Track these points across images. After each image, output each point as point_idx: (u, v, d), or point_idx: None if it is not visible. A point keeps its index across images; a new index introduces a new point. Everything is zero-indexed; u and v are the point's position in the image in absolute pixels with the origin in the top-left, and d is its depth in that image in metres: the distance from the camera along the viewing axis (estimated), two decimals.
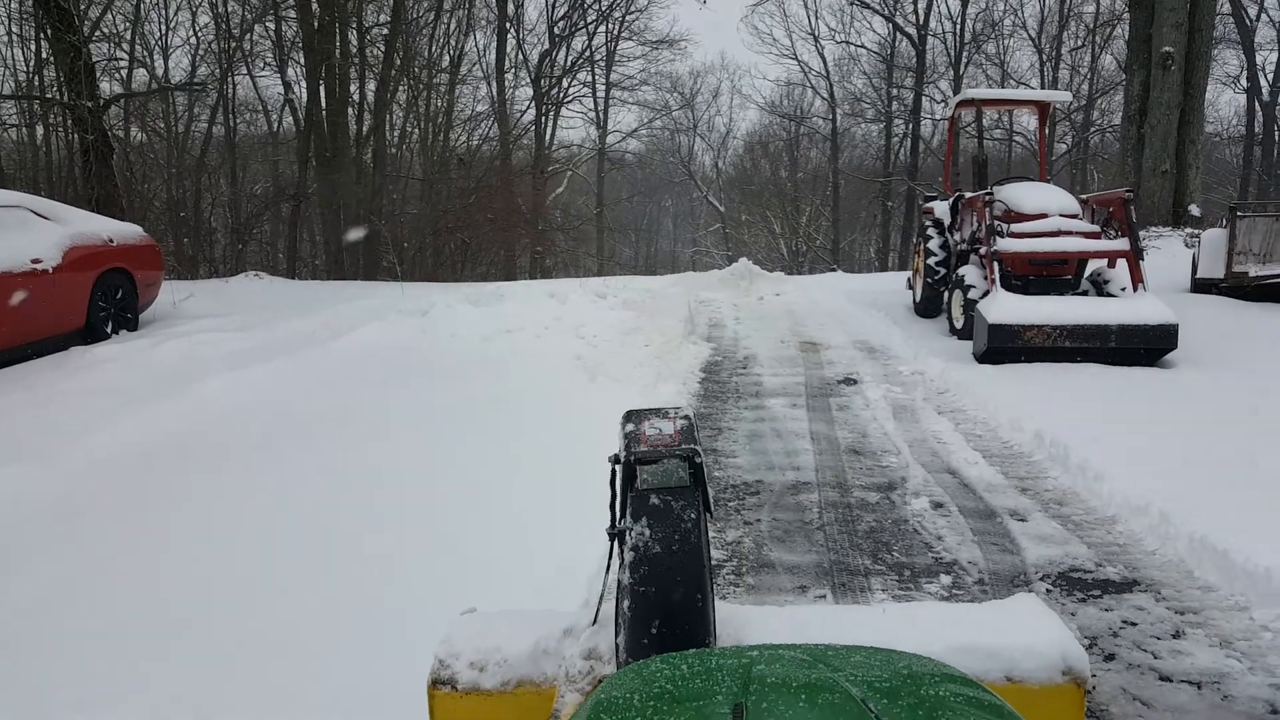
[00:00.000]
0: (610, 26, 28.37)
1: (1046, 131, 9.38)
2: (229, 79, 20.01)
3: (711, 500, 1.48)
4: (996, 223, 7.01)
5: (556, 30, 27.15)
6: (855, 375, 6.34)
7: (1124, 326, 6.10)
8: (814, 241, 36.30)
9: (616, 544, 1.30)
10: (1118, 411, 4.92)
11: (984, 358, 6.40)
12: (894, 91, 30.67)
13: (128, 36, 19.15)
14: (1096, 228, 7.07)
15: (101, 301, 7.21)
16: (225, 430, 4.74)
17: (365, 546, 3.31)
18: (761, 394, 5.86)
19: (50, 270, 6.59)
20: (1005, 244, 6.90)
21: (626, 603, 1.21)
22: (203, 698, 2.37)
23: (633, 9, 28.02)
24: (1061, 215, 7.06)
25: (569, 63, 27.92)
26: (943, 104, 29.55)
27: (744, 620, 1.38)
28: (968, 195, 8.02)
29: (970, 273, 7.39)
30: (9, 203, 6.70)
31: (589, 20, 27.51)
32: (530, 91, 26.65)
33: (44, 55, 16.41)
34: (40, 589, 3.01)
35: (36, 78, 17.91)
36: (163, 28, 21.62)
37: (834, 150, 32.89)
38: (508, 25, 25.31)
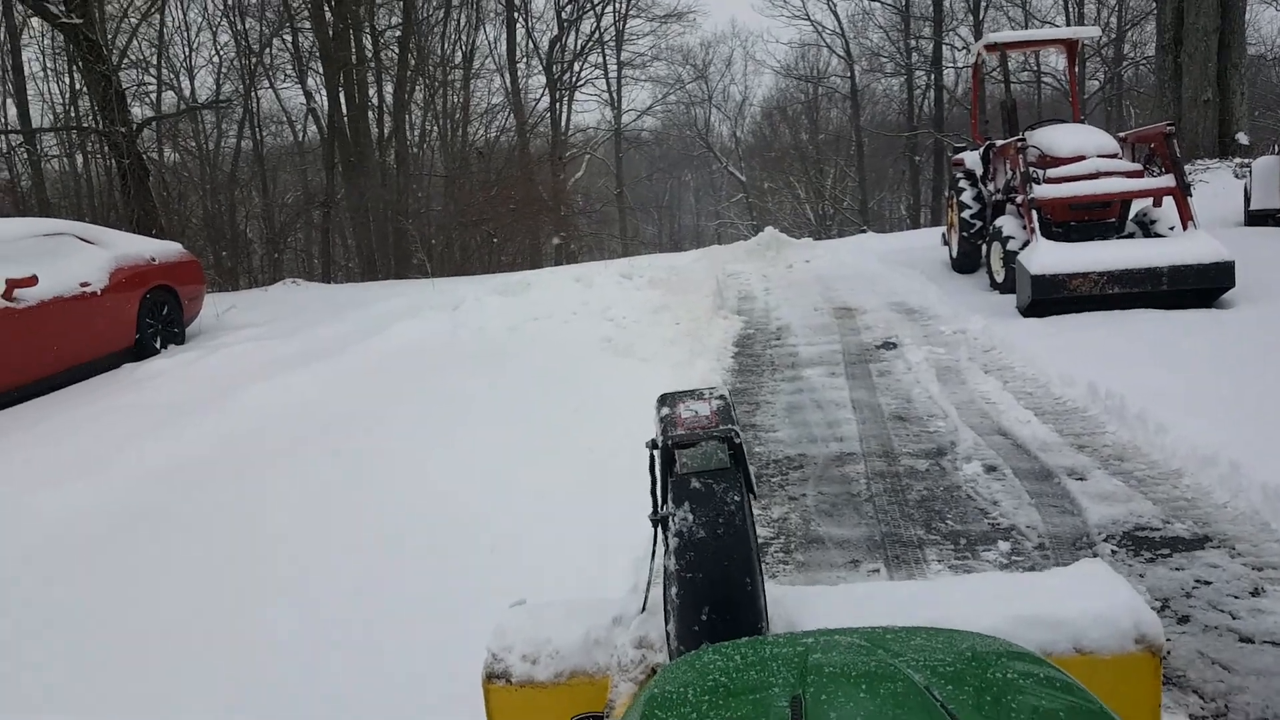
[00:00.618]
0: (617, 6, 28.06)
1: (1077, 70, 9.00)
2: (253, 93, 20.21)
3: (754, 479, 1.41)
4: (1031, 169, 6.74)
5: (564, 15, 26.92)
6: (894, 339, 6.16)
7: (1175, 267, 5.83)
8: (841, 204, 35.67)
9: (660, 530, 1.27)
10: (1176, 358, 4.70)
11: (1029, 311, 6.18)
12: (913, 43, 29.87)
13: (154, 61, 19.44)
14: (1138, 166, 6.76)
15: (149, 319, 7.33)
16: (270, 434, 4.75)
17: (408, 542, 3.28)
18: (798, 364, 5.72)
19: (99, 292, 6.71)
20: (1042, 190, 6.64)
21: (674, 589, 1.19)
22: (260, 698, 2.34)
23: None
24: (1099, 156, 6.76)
25: (579, 46, 27.70)
26: (965, 51, 28.76)
27: (796, 601, 1.34)
28: (999, 143, 7.73)
29: (1008, 223, 7.14)
30: (55, 230, 6.85)
31: (595, 2, 27.23)
32: (543, 79, 26.51)
33: (77, 86, 16.70)
34: (92, 596, 3.02)
35: (72, 108, 18.27)
36: (186, 49, 21.90)
37: (855, 108, 32.18)
38: (516, 15, 25.14)
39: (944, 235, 9.68)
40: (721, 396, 1.39)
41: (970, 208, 8.18)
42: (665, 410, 1.37)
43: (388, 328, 7.05)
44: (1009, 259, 6.95)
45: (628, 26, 28.79)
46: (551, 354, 6.16)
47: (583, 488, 3.61)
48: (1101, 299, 5.94)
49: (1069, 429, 4.11)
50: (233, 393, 5.39)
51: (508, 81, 24.85)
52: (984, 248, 7.53)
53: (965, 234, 8.24)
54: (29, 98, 17.11)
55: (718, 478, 1.24)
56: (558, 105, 26.83)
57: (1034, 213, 6.56)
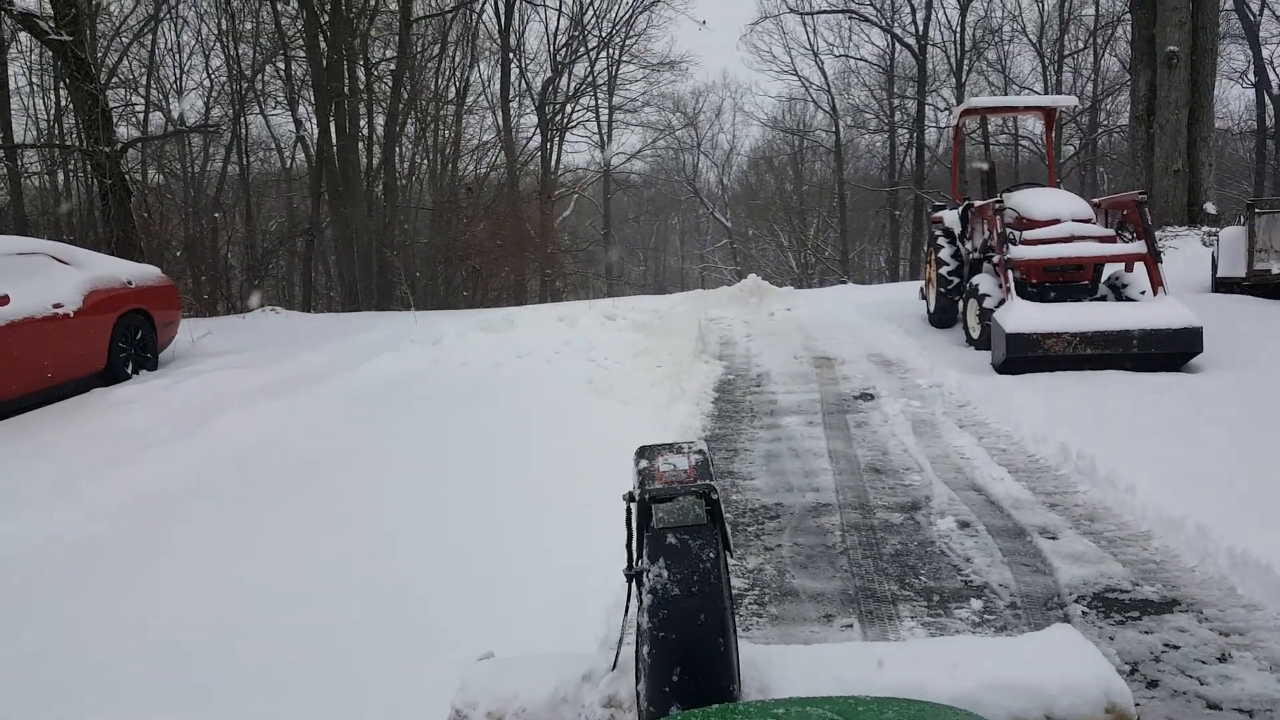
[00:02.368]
0: (611, 51, 28.59)
1: (1054, 136, 9.28)
2: (241, 119, 20.28)
3: (730, 537, 1.39)
4: (1008, 230, 6.91)
5: (558, 58, 27.39)
6: (872, 390, 6.23)
7: (1146, 331, 5.97)
8: (823, 253, 36.24)
9: (634, 585, 1.26)
10: (1145, 420, 4.79)
11: (1003, 368, 6.28)
12: (896, 101, 30.64)
13: (143, 81, 19.50)
14: (1111, 231, 6.95)
15: (122, 343, 7.25)
16: (240, 469, 4.69)
17: (379, 578, 3.24)
18: (777, 412, 5.77)
19: (71, 314, 6.63)
20: (1019, 251, 6.79)
21: (646, 648, 1.17)
22: None
23: (632, 34, 28.27)
24: (1074, 220, 6.95)
25: (572, 89, 28.14)
26: (947, 112, 29.49)
27: (768, 663, 1.33)
28: (977, 203, 7.92)
29: (984, 282, 7.28)
30: (30, 249, 6.78)
31: (590, 46, 27.76)
32: (535, 119, 26.85)
33: (63, 103, 16.68)
34: (42, 635, 2.95)
35: (56, 125, 18.20)
36: (177, 71, 22.00)
37: (839, 162, 32.84)
38: (510, 55, 25.54)
39: (922, 290, 9.85)
40: (700, 451, 1.40)
41: (948, 265, 8.34)
42: (643, 463, 1.36)
43: (367, 360, 7.03)
44: (985, 316, 7.08)
45: (620, 72, 29.33)
46: (533, 394, 6.16)
47: (562, 532, 3.60)
48: (1074, 359, 6.06)
49: (1041, 487, 4.16)
50: (203, 423, 5.33)
51: (499, 119, 25.17)
52: (961, 304, 7.66)
53: (943, 290, 8.38)
54: (12, 112, 17.06)
55: (694, 534, 1.22)
56: (548, 145, 27.16)
57: (1010, 272, 6.71)
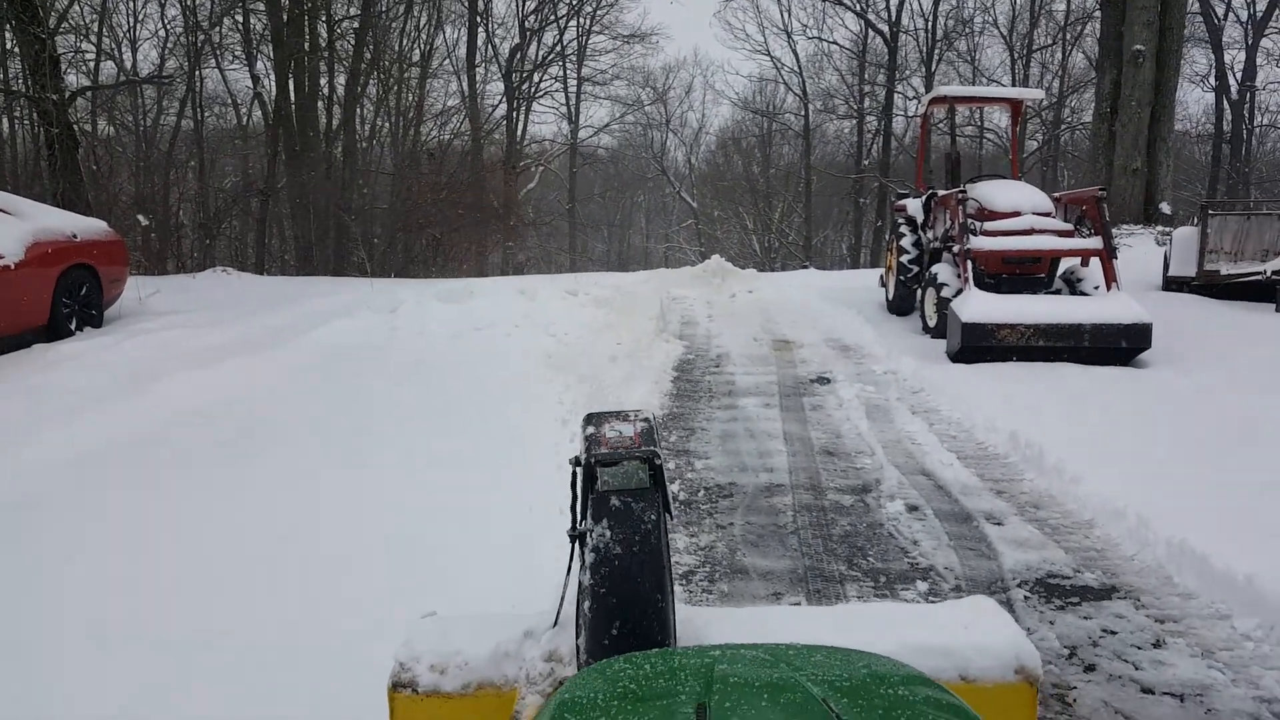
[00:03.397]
0: (581, 20, 28.20)
1: (1019, 129, 9.38)
2: (197, 72, 19.58)
3: (673, 501, 1.54)
4: (970, 220, 6.97)
5: (527, 24, 26.92)
6: (828, 374, 6.26)
7: (1097, 325, 6.09)
8: (786, 238, 36.41)
9: (577, 546, 1.30)
10: (1092, 412, 4.89)
11: (957, 357, 6.36)
12: (866, 88, 30.79)
13: (95, 29, 18.69)
14: (1069, 226, 7.06)
15: (65, 298, 6.98)
16: (186, 431, 4.55)
17: (323, 548, 3.18)
18: (734, 393, 5.77)
19: (12, 266, 6.35)
20: (978, 242, 6.86)
21: (587, 604, 1.22)
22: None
23: (603, 3, 27.88)
24: (1034, 214, 7.04)
25: (540, 57, 27.70)
26: (915, 100, 29.71)
27: (704, 621, 1.39)
28: (940, 193, 7.98)
29: (943, 271, 7.36)
30: None
31: (560, 14, 27.33)
32: (502, 86, 26.42)
33: (8, 47, 15.93)
34: None
35: (1, 70, 17.38)
36: (131, 20, 21.17)
37: (807, 146, 32.91)
38: (478, 19, 25.05)
39: (881, 277, 9.93)
40: (646, 419, 1.44)
41: (909, 253, 8.41)
42: (590, 429, 1.40)
43: (321, 325, 6.88)
44: (942, 305, 7.15)
45: (590, 42, 28.94)
46: (491, 366, 6.09)
47: (515, 506, 3.56)
48: (1027, 350, 6.15)
49: (989, 474, 4.22)
50: (147, 384, 5.17)
51: (464, 85, 24.70)
52: (919, 293, 7.74)
53: (902, 278, 8.46)
54: None
55: (637, 497, 1.26)
56: (515, 114, 26.76)
57: (969, 263, 6.78)
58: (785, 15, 32.11)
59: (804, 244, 34.72)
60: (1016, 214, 7.10)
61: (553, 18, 27.25)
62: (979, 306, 6.28)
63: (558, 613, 1.38)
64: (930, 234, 8.21)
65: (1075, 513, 3.73)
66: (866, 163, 31.28)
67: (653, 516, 1.25)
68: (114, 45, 20.43)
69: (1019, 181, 7.90)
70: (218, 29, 19.94)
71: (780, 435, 4.81)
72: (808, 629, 1.28)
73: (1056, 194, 7.56)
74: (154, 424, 4.62)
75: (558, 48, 28.00)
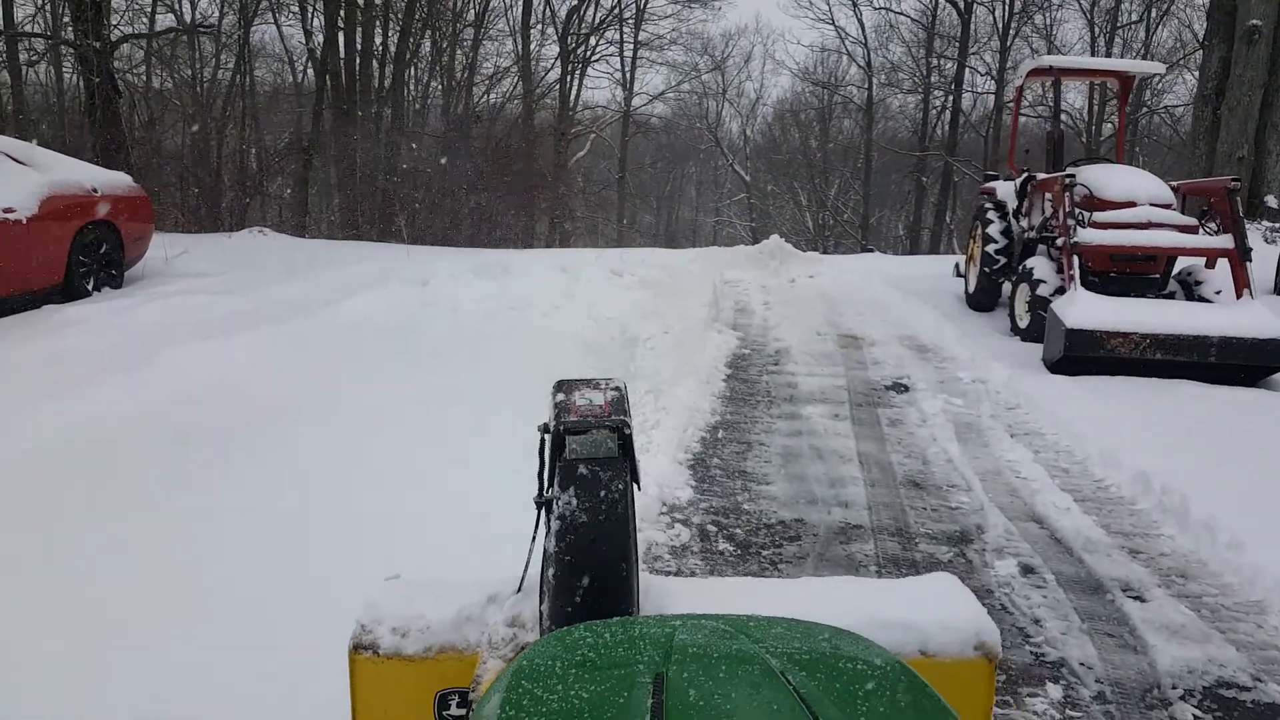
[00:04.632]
0: None
1: (1126, 108, 8.36)
2: (245, 24, 19.09)
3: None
4: (1077, 210, 6.10)
5: None
6: (906, 380, 5.50)
7: (1227, 339, 5.22)
8: (841, 215, 35.27)
9: (543, 513, 1.30)
10: (1235, 447, 4.08)
11: (1057, 366, 5.55)
12: (934, 62, 29.38)
13: None
14: (1193, 220, 6.14)
15: (83, 256, 6.52)
16: (187, 411, 4.02)
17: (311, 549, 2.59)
18: (797, 399, 5.04)
19: (24, 220, 5.90)
20: (1087, 235, 6.00)
21: (551, 570, 1.22)
22: None
23: None
24: (1152, 204, 6.14)
25: (597, 20, 26.77)
26: (987, 76, 28.16)
27: (666, 592, 1.39)
28: (1040, 177, 7.08)
29: (1040, 266, 6.50)
30: None
31: None
32: (556, 49, 25.60)
33: None
34: None
35: (49, 17, 17.07)
36: None
37: (869, 121, 31.61)
38: None
39: (958, 266, 9.07)
40: (617, 388, 1.43)
41: (996, 242, 7.53)
42: (560, 396, 1.39)
43: (346, 298, 6.30)
44: (1037, 305, 6.33)
45: (649, 5, 27.89)
46: (524, 351, 5.44)
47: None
48: (1139, 363, 5.32)
49: (1117, 525, 3.46)
50: (154, 354, 4.65)
51: (518, 46, 23.94)
52: (1011, 288, 6.88)
53: (987, 269, 7.59)
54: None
55: (605, 466, 1.26)
56: (569, 78, 25.96)
57: (1075, 258, 5.93)
58: None
59: (860, 223, 33.58)
60: (1131, 204, 6.21)
61: None
62: (1087, 310, 5.45)
63: (522, 579, 1.37)
64: (1024, 223, 7.32)
65: (1238, 590, 2.96)
66: (931, 141, 29.93)
67: (620, 486, 1.26)
68: None
69: (1133, 168, 6.96)
70: None
71: (854, 457, 4.08)
72: (770, 602, 1.25)
73: (1175, 183, 6.61)
74: (143, 406, 4.07)
75: (615, 10, 27.01)
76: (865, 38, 30.81)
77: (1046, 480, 3.86)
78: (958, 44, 28.12)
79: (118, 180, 7.24)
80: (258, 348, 5.12)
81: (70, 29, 12.46)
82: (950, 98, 29.01)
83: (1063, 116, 24.50)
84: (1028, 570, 3.05)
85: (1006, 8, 27.37)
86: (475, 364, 5.21)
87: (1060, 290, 6.20)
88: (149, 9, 18.62)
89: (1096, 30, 27.27)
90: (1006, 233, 7.57)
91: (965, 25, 27.63)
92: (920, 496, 3.67)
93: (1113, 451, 4.03)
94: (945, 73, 29.38)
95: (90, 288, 6.63)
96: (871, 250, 19.97)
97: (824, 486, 3.71)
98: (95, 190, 6.71)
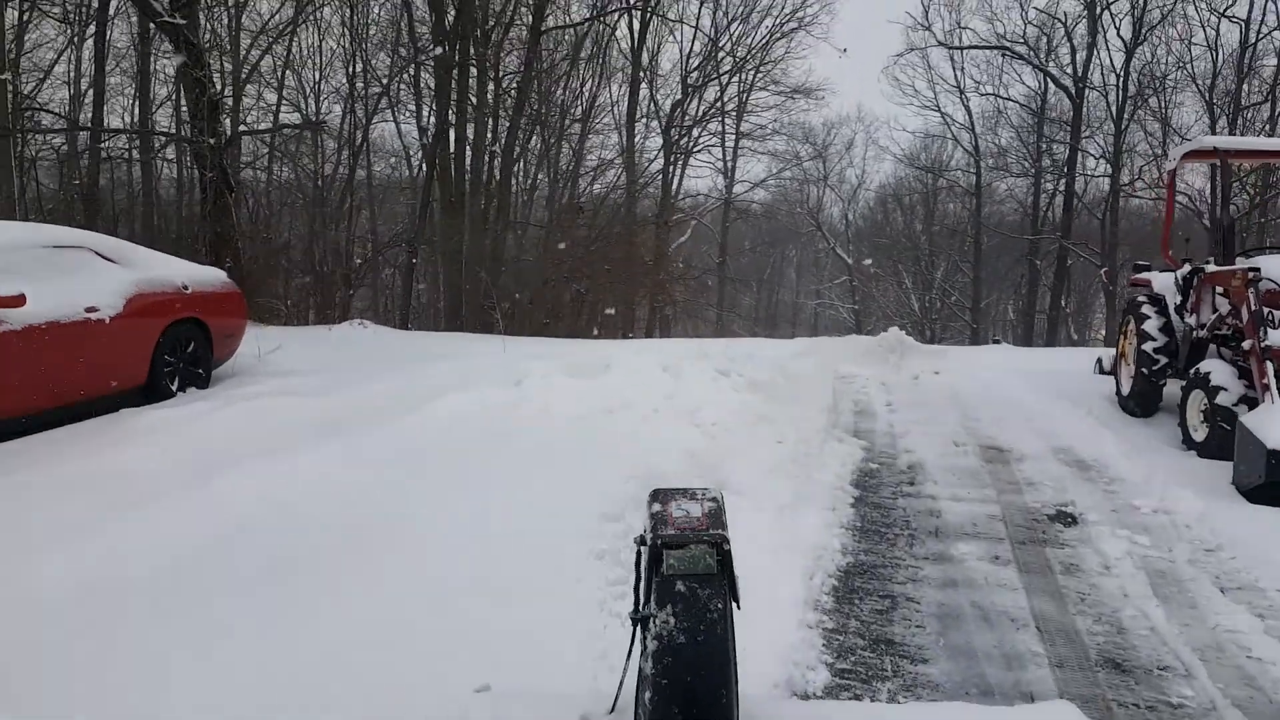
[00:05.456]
0: (744, 77, 27.40)
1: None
2: (350, 120, 19.94)
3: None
4: (1267, 310, 5.21)
5: (689, 80, 26.40)
6: (1071, 507, 4.65)
7: None
8: (949, 298, 34.03)
9: (639, 629, 1.29)
10: None
11: (1256, 495, 4.62)
12: (1044, 146, 28.41)
13: (277, 78, 19.45)
14: None
15: (168, 355, 6.41)
16: (226, 552, 3.52)
17: None
18: (944, 533, 4.28)
19: (108, 320, 5.80)
20: (1279, 337, 5.09)
21: (648, 693, 1.20)
22: None
23: (768, 60, 27.01)
24: None
25: (700, 113, 27.06)
26: (1102, 159, 26.84)
27: (771, 716, 1.39)
28: (1210, 269, 6.19)
29: (1218, 370, 5.58)
30: (70, 242, 5.98)
31: (722, 70, 26.63)
32: (659, 141, 25.92)
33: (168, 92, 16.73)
34: None
35: (164, 113, 18.15)
36: (315, 74, 22.02)
37: (978, 204, 30.70)
38: (641, 74, 24.72)
39: (1100, 362, 8.12)
40: (714, 498, 1.46)
41: (1155, 340, 6.61)
42: (656, 507, 1.41)
43: (427, 402, 5.93)
44: (1218, 415, 5.40)
45: (751, 98, 28.09)
46: (618, 463, 4.88)
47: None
48: None
49: None
50: (218, 472, 4.29)
51: (623, 139, 24.31)
52: (1183, 395, 5.94)
53: (1145, 370, 6.66)
54: (150, 100, 17.10)
55: (704, 583, 1.28)
56: (671, 168, 26.17)
57: (1268, 364, 5.02)
58: (958, 72, 29.89)
59: (971, 306, 32.27)
60: None
61: (715, 74, 26.60)
62: None
63: (615, 698, 1.34)
64: (1191, 320, 6.40)
65: None
66: (1042, 224, 28.67)
67: (719, 605, 1.24)
68: (302, 98, 21.25)
69: None
70: (396, 82, 20.33)
71: (1030, 622, 3.29)
72: None
73: None
74: (201, 536, 3.65)
75: (718, 103, 27.28)
76: (972, 123, 30.14)
77: None
78: (1069, 128, 27.11)
79: (210, 276, 7.20)
80: (323, 467, 4.64)
81: (189, 128, 13.16)
82: (1062, 181, 27.86)
83: (1183, 199, 22.84)
84: None
85: (1121, 91, 26.25)
86: (564, 476, 4.68)
87: (1245, 400, 5.28)
88: (275, 105, 19.81)
89: (1217, 111, 25.68)
90: (1167, 329, 6.66)
91: (1077, 109, 26.67)
92: (1126, 685, 2.85)
93: None
94: (1056, 156, 28.36)
95: (175, 388, 6.47)
96: (999, 341, 18.77)
97: (997, 667, 2.94)
98: (185, 287, 6.63)
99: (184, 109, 15.30)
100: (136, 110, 19.20)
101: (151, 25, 12.04)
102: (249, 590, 3.21)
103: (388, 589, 3.27)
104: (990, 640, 3.13)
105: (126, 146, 15.72)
